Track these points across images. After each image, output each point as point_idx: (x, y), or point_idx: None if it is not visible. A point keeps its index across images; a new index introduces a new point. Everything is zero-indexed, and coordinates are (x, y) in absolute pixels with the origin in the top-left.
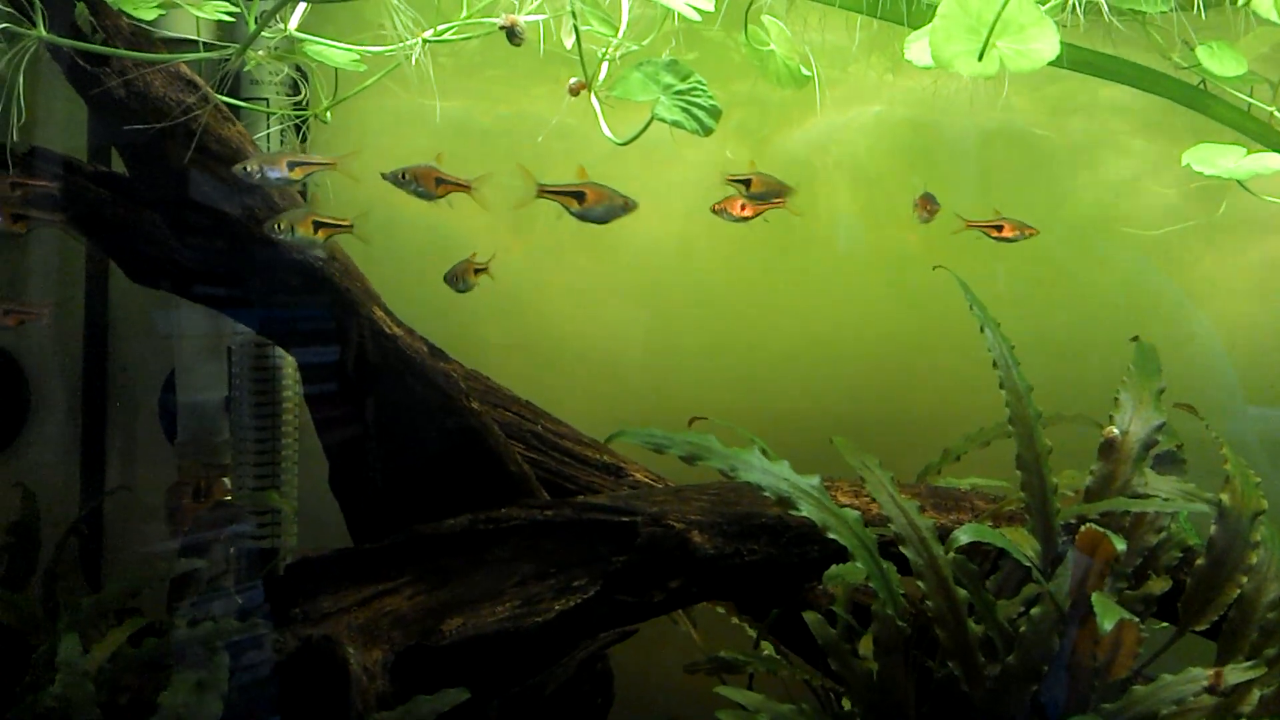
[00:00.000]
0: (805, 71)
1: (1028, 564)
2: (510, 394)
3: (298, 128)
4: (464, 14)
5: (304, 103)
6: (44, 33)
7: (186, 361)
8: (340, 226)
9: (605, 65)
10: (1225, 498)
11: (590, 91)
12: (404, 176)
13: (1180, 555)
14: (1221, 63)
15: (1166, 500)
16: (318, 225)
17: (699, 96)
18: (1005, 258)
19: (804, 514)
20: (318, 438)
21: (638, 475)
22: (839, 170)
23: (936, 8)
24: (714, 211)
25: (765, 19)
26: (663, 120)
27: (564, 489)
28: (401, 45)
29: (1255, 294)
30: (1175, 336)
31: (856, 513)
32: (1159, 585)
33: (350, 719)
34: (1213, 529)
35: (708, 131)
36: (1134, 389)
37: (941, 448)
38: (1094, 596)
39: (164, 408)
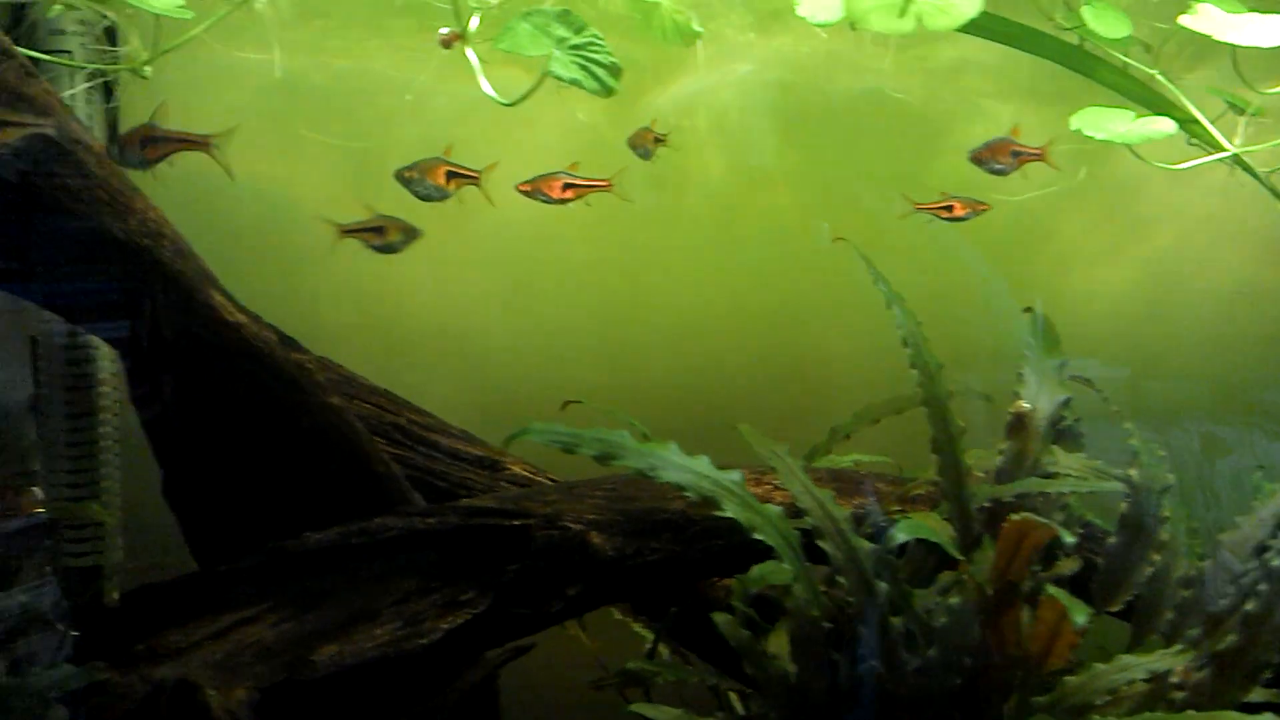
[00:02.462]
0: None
1: (960, 558)
2: (367, 383)
3: (106, 86)
4: None
5: (116, 56)
6: None
7: None
8: (470, 176)
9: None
10: (1134, 473)
11: (465, 43)
12: None
13: (1082, 532)
14: (1106, 23)
15: (1081, 479)
16: (450, 175)
17: (596, 52)
18: (876, 227)
19: (729, 514)
20: (148, 442)
21: (516, 469)
22: (709, 134)
23: None
24: (524, 193)
25: None
26: (559, 78)
27: (434, 487)
28: None
29: (1112, 256)
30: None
31: (779, 508)
32: (1069, 565)
33: None
34: (1123, 506)
35: (609, 92)
36: (1037, 364)
37: (815, 423)
38: (1052, 590)
39: None
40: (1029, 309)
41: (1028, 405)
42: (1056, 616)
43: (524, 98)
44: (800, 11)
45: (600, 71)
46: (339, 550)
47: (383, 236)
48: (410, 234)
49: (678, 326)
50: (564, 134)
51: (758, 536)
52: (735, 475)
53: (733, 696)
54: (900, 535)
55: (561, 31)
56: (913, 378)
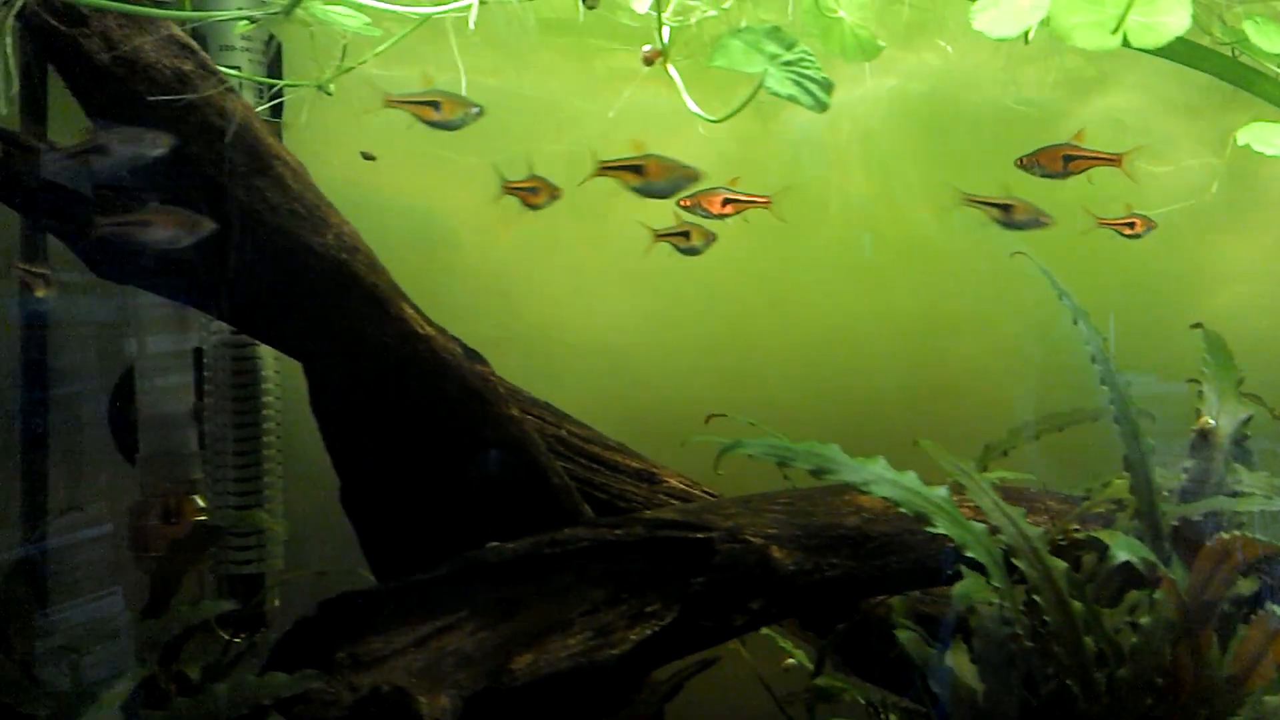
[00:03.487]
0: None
1: (1171, 576)
2: (529, 395)
3: (274, 103)
4: None
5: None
6: None
7: (146, 364)
8: (756, 202)
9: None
10: None
11: (665, 60)
12: None
13: None
14: (1269, 38)
15: (1268, 498)
16: (728, 202)
17: (808, 68)
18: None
19: (941, 530)
20: (327, 452)
21: (673, 481)
22: (852, 148)
23: None
24: (684, 207)
25: None
26: (775, 94)
27: (594, 499)
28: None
29: (1258, 274)
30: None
31: (983, 526)
32: (1248, 585)
33: None
34: None
35: (823, 107)
36: (1215, 380)
37: (960, 438)
38: (1276, 608)
39: (117, 417)
40: (1198, 325)
41: (1211, 422)
42: (1265, 635)
43: (732, 114)
44: (977, 25)
45: (814, 87)
46: (531, 560)
47: (688, 240)
48: (709, 239)
49: (815, 342)
50: (706, 147)
51: (970, 554)
52: (943, 492)
53: (893, 716)
54: (1120, 554)
55: (773, 48)
56: (1103, 394)
